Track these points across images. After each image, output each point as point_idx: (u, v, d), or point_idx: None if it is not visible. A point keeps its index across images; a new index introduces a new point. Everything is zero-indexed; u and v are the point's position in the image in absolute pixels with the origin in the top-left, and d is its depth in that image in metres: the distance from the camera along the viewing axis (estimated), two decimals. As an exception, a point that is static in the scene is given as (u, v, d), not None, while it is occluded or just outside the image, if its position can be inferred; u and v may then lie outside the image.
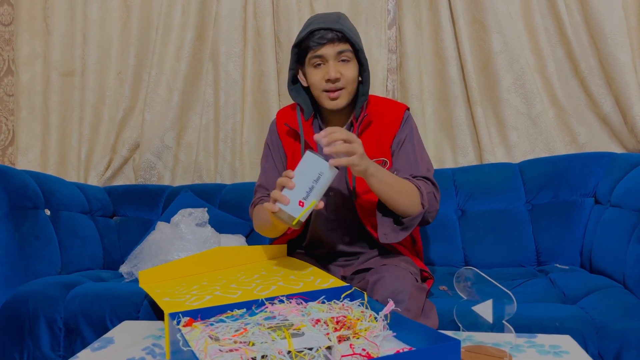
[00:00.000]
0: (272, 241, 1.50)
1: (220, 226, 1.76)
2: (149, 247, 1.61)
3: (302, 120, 1.34)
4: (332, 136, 1.04)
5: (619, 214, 1.49)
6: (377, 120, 1.34)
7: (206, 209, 1.73)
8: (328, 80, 1.25)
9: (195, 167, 2.25)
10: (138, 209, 2.10)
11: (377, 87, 2.07)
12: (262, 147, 2.19)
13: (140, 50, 2.30)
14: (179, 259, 1.33)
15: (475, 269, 0.90)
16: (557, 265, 1.66)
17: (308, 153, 1.03)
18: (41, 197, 1.67)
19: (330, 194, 1.32)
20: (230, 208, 1.97)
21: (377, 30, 2.10)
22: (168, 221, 1.69)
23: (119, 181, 2.35)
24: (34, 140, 2.39)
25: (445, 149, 2.08)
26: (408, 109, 1.38)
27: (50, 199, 1.72)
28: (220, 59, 2.19)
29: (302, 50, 1.28)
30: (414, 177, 1.25)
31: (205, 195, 2.02)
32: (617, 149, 1.90)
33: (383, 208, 1.22)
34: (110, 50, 2.31)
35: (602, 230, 1.57)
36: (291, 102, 2.16)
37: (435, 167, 1.34)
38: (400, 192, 1.18)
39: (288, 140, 1.39)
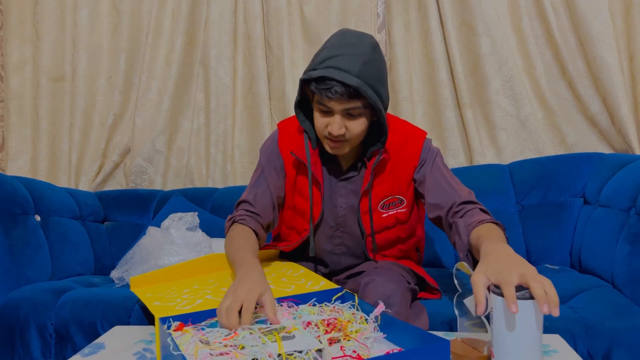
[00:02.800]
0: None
1: (211, 230, 1.76)
2: (140, 252, 1.60)
3: (309, 149, 1.22)
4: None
5: (608, 214, 1.50)
6: (393, 156, 1.23)
7: (196, 213, 1.72)
8: (330, 133, 1.13)
9: (187, 172, 2.24)
10: (129, 214, 2.10)
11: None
12: (253, 150, 2.19)
13: (131, 55, 2.29)
14: (171, 265, 1.33)
15: (468, 266, 0.90)
16: (548, 265, 1.67)
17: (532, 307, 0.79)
18: (31, 203, 1.67)
19: (341, 231, 1.28)
20: (222, 212, 1.96)
21: (367, 34, 2.11)
22: (159, 226, 1.69)
23: (110, 186, 2.34)
24: (24, 145, 2.38)
25: (436, 151, 2.09)
26: (426, 134, 1.27)
27: (40, 204, 1.71)
28: (211, 63, 2.19)
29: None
30: (460, 204, 1.14)
31: (196, 200, 2.02)
32: (605, 149, 1.92)
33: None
34: (100, 55, 2.30)
35: (591, 230, 1.58)
36: (282, 105, 2.17)
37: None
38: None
39: (290, 163, 1.27)
